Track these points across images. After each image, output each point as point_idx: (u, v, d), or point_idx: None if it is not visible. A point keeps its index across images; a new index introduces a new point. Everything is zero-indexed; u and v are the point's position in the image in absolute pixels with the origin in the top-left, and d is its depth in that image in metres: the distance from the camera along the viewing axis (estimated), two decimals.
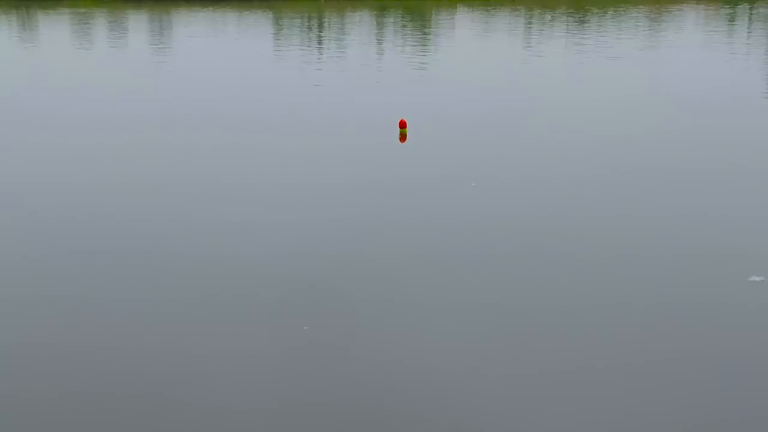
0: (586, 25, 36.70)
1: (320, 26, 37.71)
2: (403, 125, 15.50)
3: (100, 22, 38.28)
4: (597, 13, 40.59)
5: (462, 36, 33.93)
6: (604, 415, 6.18)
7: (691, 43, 30.51)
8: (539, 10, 41.91)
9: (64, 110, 19.00)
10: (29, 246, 9.96)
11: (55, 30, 37.07)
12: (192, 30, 36.52)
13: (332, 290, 8.47)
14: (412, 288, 8.58)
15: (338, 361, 7.00)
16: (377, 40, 32.64)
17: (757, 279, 8.40)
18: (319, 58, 27.68)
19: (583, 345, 7.24)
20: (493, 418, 6.13)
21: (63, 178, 13.08)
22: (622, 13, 40.14)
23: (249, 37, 34.35)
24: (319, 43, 32.26)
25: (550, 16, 36.50)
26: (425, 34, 34.85)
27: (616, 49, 29.01)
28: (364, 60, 27.14)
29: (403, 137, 14.63)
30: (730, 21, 37.50)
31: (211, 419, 6.10)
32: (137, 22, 38.36)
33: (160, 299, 8.28)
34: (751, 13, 39.61)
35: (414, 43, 31.25)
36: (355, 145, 14.97)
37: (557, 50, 29.22)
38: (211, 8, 43.18)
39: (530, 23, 38.32)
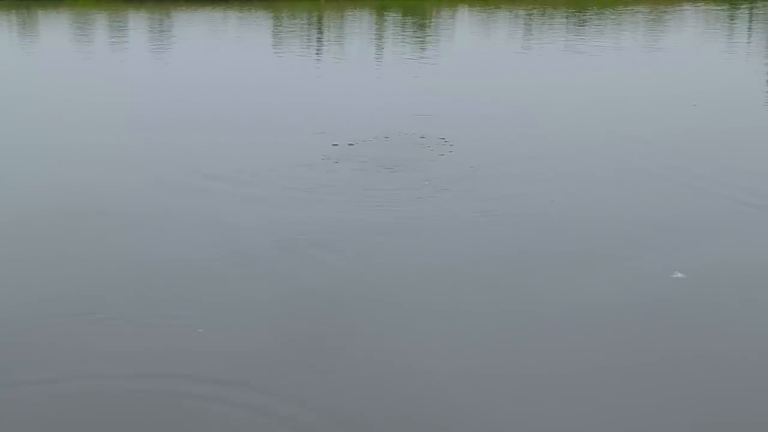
0: (585, 25, 36.72)
1: (320, 26, 37.77)
2: None
3: (101, 22, 38.32)
4: (597, 13, 40.59)
5: (462, 36, 33.94)
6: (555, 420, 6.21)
7: (690, 43, 30.53)
8: (539, 9, 41.92)
9: (63, 111, 18.99)
10: None
11: (54, 30, 37.13)
12: (192, 30, 36.56)
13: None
14: (413, 287, 8.59)
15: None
16: (377, 40, 32.68)
17: (680, 276, 8.47)
18: (318, 58, 27.70)
19: (525, 348, 7.25)
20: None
21: (62, 179, 13.09)
22: (621, 13, 40.14)
23: (249, 37, 34.39)
24: (319, 43, 32.28)
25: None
26: (425, 34, 34.88)
27: (615, 49, 29.01)
28: (364, 60, 27.14)
29: None
30: (730, 20, 37.52)
31: None
32: (137, 22, 38.42)
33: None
34: (751, 13, 39.59)
35: (414, 44, 31.29)
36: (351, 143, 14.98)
37: (556, 50, 29.23)
38: (211, 8, 43.21)
39: (530, 23, 38.31)
